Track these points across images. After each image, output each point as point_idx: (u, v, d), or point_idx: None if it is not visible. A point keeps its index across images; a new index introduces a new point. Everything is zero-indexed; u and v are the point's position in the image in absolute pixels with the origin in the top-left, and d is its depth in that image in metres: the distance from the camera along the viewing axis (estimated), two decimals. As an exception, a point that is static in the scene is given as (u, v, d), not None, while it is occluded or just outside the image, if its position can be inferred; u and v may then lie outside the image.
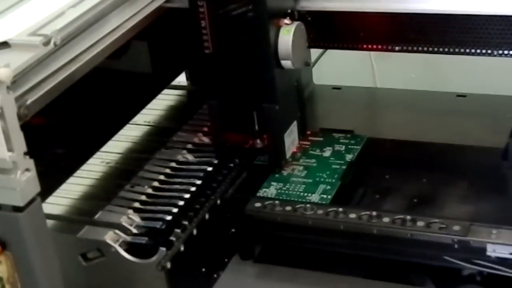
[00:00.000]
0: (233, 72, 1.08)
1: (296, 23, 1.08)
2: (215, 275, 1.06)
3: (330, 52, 1.30)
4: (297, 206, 1.03)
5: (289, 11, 1.10)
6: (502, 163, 1.09)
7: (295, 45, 1.06)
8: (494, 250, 0.94)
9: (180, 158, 1.11)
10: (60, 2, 0.95)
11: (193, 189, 1.05)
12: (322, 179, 1.10)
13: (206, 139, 1.15)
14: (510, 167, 1.08)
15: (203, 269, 1.04)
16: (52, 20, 0.92)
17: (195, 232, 1.00)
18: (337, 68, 1.47)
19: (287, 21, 1.07)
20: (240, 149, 1.12)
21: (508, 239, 0.94)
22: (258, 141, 1.12)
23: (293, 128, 1.14)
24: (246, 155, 1.12)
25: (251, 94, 1.08)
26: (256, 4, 1.03)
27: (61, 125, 1.05)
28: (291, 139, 1.14)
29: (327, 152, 1.16)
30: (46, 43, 0.87)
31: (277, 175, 1.11)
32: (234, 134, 1.12)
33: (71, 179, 1.07)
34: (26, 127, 0.82)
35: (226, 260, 1.08)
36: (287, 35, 1.06)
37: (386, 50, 1.14)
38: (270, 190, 1.09)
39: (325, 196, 1.06)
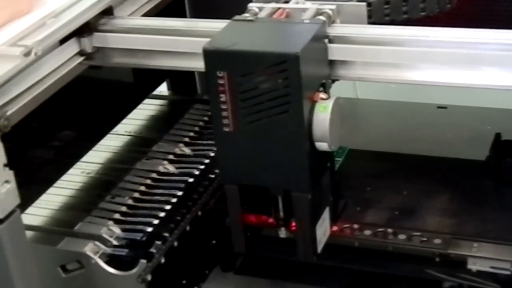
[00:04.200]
0: (256, 154, 0.90)
1: (333, 97, 0.90)
2: (196, 287, 1.05)
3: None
4: (279, 218, 1.01)
5: (323, 81, 0.92)
6: (483, 176, 1.10)
7: (333, 124, 0.89)
8: (475, 264, 0.94)
9: (161, 169, 1.10)
10: (41, 12, 0.94)
11: (174, 200, 1.04)
12: (303, 191, 1.08)
13: (187, 150, 1.14)
14: (491, 180, 1.08)
15: (184, 281, 1.03)
16: (33, 31, 0.91)
17: (176, 244, 0.99)
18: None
19: (323, 95, 0.89)
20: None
21: (488, 253, 0.94)
22: (283, 229, 0.95)
23: (325, 215, 0.97)
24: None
25: (277, 179, 0.91)
26: (289, 75, 0.85)
27: (42, 135, 1.05)
28: (322, 230, 0.96)
29: (309, 164, 1.14)
30: (27, 54, 0.87)
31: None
32: (253, 216, 0.97)
33: (51, 190, 1.07)
34: (6, 137, 0.82)
35: (207, 271, 1.08)
36: (324, 113, 0.88)
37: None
38: (252, 202, 1.07)
39: (306, 208, 1.05)
